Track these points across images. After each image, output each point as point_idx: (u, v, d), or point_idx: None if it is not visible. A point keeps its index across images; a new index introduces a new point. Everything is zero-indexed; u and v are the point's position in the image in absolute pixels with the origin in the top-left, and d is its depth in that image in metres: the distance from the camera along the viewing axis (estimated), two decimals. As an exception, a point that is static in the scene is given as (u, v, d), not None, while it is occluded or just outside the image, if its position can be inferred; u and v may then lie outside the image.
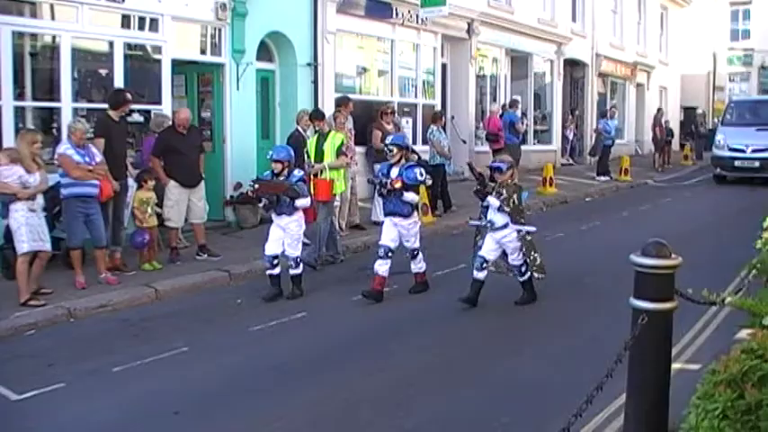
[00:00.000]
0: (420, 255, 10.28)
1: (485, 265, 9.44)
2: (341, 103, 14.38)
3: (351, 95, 15.57)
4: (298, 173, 10.22)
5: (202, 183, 11.96)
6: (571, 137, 27.76)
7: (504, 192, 9.31)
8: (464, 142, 20.61)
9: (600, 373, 4.36)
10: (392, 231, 10.00)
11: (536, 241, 9.67)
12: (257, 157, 14.82)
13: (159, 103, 13.19)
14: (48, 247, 9.68)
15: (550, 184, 19.93)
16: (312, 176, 11.84)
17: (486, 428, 6.15)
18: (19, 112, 11.71)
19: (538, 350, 8.10)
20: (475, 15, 20.96)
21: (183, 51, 13.88)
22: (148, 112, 12.86)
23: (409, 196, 9.89)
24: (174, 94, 13.65)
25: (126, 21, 12.97)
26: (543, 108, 26.84)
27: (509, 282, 9.80)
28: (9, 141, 10.96)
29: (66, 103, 11.99)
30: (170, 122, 11.99)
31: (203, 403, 6.81)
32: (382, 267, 9.88)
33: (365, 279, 10.43)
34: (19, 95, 11.73)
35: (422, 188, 14.89)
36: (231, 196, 14.02)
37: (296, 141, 12.76)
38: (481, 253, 9.53)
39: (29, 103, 12.05)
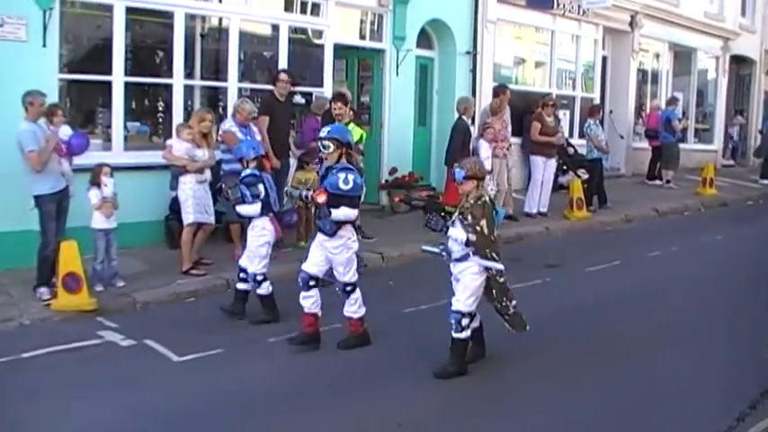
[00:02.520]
0: (355, 293, 7.66)
1: (465, 321, 6.93)
2: (499, 91, 14.29)
3: (508, 86, 15.40)
4: (248, 170, 8.45)
5: (359, 165, 12.08)
6: (736, 137, 26.62)
7: (470, 215, 6.76)
8: (621, 137, 20.07)
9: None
10: (317, 254, 7.64)
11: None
12: (413, 143, 14.89)
13: (321, 86, 13.41)
14: (212, 220, 10.07)
15: (710, 185, 19.15)
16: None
17: None
18: (188, 91, 12.16)
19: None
20: (638, 7, 20.34)
21: (344, 36, 14.06)
22: (310, 94, 13.10)
23: (341, 213, 7.31)
24: (335, 78, 13.83)
25: (290, 5, 13.25)
26: (705, 106, 25.79)
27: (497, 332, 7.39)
28: (179, 118, 11.43)
29: (233, 83, 12.36)
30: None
31: (359, 378, 6.89)
32: (307, 302, 7.58)
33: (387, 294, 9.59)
34: (188, 75, 12.16)
35: (577, 182, 14.70)
36: (386, 180, 14.13)
37: (459, 131, 12.69)
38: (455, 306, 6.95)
39: (197, 82, 12.52)
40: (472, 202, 6.78)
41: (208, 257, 10.22)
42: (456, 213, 6.92)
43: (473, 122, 14.08)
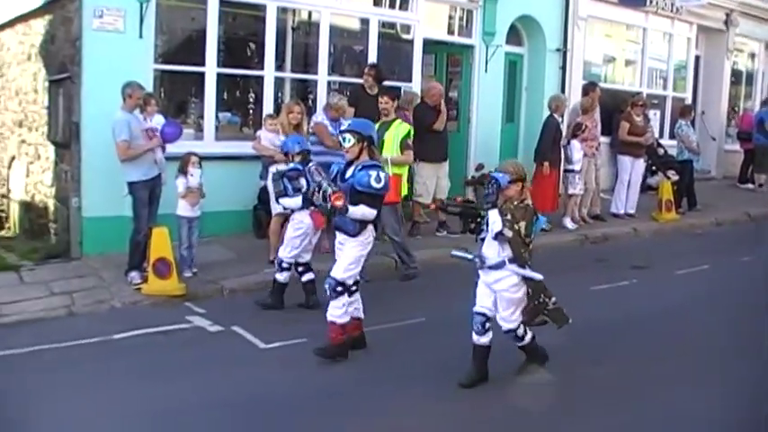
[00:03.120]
0: (343, 297, 7.03)
1: (487, 325, 6.58)
2: (588, 89, 14.12)
3: (598, 83, 15.17)
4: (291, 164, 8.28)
5: (447, 160, 12.09)
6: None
7: (509, 215, 6.29)
8: (713, 139, 19.60)
9: None
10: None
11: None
12: (500, 139, 14.80)
13: (409, 81, 13.43)
14: (299, 210, 10.15)
15: (809, 192, 18.52)
16: None
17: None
18: (278, 83, 12.30)
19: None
20: (734, 5, 19.82)
21: (433, 31, 14.05)
22: (399, 89, 13.12)
23: (358, 211, 6.87)
24: (424, 72, 13.83)
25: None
26: (804, 108, 24.95)
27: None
28: (269, 109, 11.59)
29: (323, 77, 12.47)
30: (419, 100, 12.21)
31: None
32: (337, 311, 7.03)
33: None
34: (279, 67, 12.31)
35: (667, 184, 14.41)
36: (472, 176, 14.05)
37: (550, 129, 12.56)
38: (477, 308, 6.60)
39: (287, 75, 12.68)
40: (515, 204, 6.34)
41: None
42: (491, 219, 6.37)
43: (562, 120, 13.93)
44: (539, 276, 6.39)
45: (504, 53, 14.92)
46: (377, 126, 9.39)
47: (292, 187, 8.13)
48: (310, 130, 10.63)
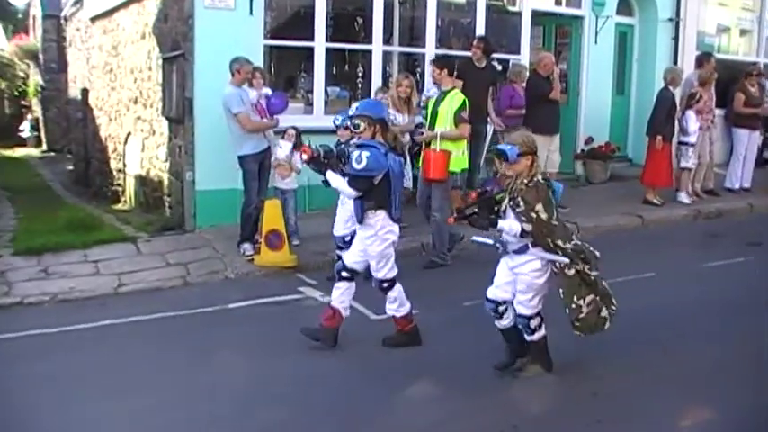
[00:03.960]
0: (393, 290, 6.79)
1: (501, 308, 6.12)
2: (702, 60, 13.68)
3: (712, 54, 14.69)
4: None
5: (558, 133, 11.90)
6: None
7: (522, 201, 5.72)
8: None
9: None
10: (356, 244, 6.93)
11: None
12: (611, 112, 14.50)
13: (517, 53, 13.26)
14: (409, 184, 10.14)
15: None
16: (424, 147, 9.49)
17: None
18: (386, 57, 12.32)
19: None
20: None
21: (541, 2, 13.83)
22: (507, 61, 12.97)
23: (335, 180, 6.61)
24: (532, 45, 13.63)
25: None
26: None
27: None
28: (377, 83, 11.63)
29: (430, 50, 12.40)
30: (527, 73, 12.04)
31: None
32: (336, 292, 6.85)
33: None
34: (386, 41, 12.31)
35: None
36: (582, 150, 13.83)
37: (665, 101, 12.22)
38: (489, 294, 6.14)
39: (395, 48, 12.67)
40: (526, 182, 5.75)
41: (405, 220, 10.29)
42: (506, 200, 5.86)
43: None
44: (564, 259, 5.74)
45: (615, 24, 14.57)
46: (434, 98, 9.56)
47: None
48: (422, 103, 10.62)
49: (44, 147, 26.67)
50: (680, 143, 12.55)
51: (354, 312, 7.62)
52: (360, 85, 12.46)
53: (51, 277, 8.95)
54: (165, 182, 12.27)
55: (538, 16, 13.82)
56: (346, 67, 12.70)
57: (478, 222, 5.90)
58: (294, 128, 9.70)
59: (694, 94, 12.53)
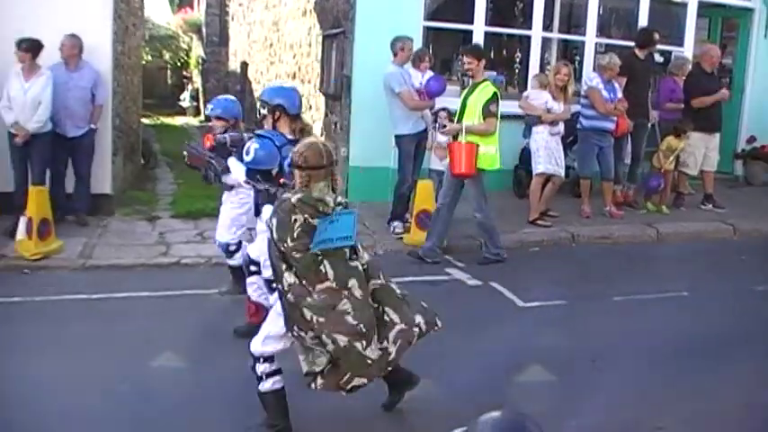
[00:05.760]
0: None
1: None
2: None
3: None
4: (223, 136, 6.94)
5: (719, 132, 11.51)
6: None
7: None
8: None
9: None
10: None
11: None
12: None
13: (681, 45, 12.83)
14: (561, 172, 10.06)
15: None
16: (451, 141, 8.91)
17: None
18: (545, 44, 12.22)
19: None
20: None
21: (711, -6, 13.34)
22: (669, 53, 12.61)
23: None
24: (696, 37, 13.19)
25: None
26: None
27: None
28: (535, 70, 11.54)
29: (591, 38, 12.21)
30: (689, 66, 11.66)
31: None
32: (249, 288, 6.61)
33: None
34: (546, 27, 12.19)
35: None
36: (743, 150, 13.32)
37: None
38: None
39: (555, 35, 12.55)
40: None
41: (555, 210, 10.25)
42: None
43: None
44: None
45: (789, 17, 13.91)
46: (466, 90, 8.97)
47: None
48: (583, 93, 10.49)
49: (202, 117, 27.60)
50: None
51: (502, 297, 7.68)
52: (517, 71, 12.38)
53: (207, 241, 9.28)
54: (320, 155, 12.47)
55: (704, 7, 13.29)
56: (504, 51, 12.65)
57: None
58: (445, 109, 9.72)
59: None
